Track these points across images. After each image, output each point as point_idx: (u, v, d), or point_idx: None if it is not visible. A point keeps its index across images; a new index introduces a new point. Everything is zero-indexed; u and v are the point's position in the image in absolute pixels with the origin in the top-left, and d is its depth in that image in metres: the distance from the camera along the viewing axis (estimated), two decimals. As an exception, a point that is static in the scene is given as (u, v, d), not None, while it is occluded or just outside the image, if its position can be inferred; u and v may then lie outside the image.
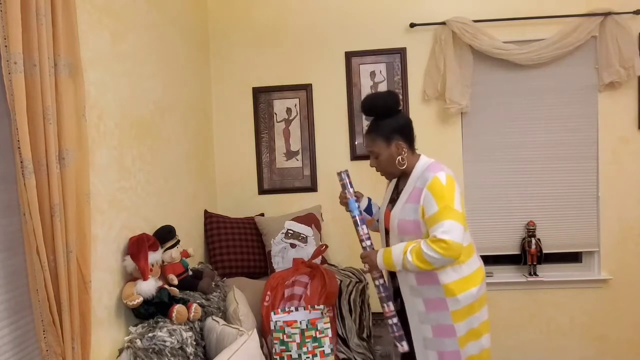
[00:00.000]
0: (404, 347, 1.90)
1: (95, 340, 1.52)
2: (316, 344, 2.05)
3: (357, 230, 1.97)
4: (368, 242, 1.96)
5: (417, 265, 1.73)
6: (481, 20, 2.94)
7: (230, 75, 3.18)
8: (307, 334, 2.06)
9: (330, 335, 2.08)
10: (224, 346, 1.78)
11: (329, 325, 2.08)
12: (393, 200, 1.98)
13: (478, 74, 3.02)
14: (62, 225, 1.31)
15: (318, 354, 2.05)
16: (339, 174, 2.05)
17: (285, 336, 2.06)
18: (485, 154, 3.09)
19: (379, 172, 2.02)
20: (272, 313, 2.12)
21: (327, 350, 2.06)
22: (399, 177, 2.01)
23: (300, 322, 2.06)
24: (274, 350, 2.08)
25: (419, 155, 1.95)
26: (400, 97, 3.09)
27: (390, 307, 1.90)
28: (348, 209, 2.03)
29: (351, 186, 2.03)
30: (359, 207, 2.03)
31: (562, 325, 3.11)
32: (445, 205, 1.74)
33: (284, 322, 2.07)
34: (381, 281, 1.92)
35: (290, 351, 2.05)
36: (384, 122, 1.92)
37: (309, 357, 2.04)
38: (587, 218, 3.07)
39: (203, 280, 2.19)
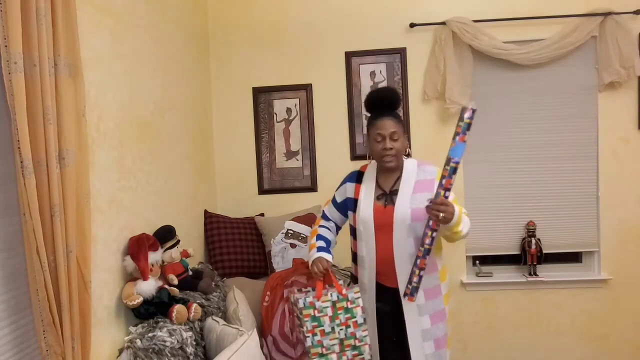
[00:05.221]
0: (415, 298, 1.93)
1: (95, 340, 1.52)
2: (348, 314, 1.98)
3: (452, 178, 1.76)
4: (448, 194, 1.80)
5: (468, 226, 1.91)
6: (481, 20, 2.94)
7: (230, 75, 3.18)
8: (338, 305, 1.98)
9: (361, 305, 2.00)
10: (224, 346, 1.78)
11: (359, 295, 2.01)
12: (383, 196, 2.01)
13: (478, 74, 3.02)
14: (62, 225, 1.31)
15: (351, 325, 1.98)
16: (472, 110, 1.72)
17: (316, 311, 1.97)
18: (485, 154, 3.09)
19: (387, 157, 1.94)
20: (293, 294, 2.06)
21: (360, 320, 1.98)
22: (379, 174, 2.05)
23: (331, 295, 1.99)
24: (304, 329, 1.98)
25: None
26: (400, 97, 3.10)
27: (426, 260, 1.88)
28: (450, 155, 1.76)
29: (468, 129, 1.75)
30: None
31: (562, 325, 3.11)
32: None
33: (313, 297, 1.99)
34: (435, 234, 1.85)
35: (322, 325, 1.96)
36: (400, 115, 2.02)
37: (342, 329, 1.97)
38: (587, 218, 3.07)
39: (203, 280, 2.19)
